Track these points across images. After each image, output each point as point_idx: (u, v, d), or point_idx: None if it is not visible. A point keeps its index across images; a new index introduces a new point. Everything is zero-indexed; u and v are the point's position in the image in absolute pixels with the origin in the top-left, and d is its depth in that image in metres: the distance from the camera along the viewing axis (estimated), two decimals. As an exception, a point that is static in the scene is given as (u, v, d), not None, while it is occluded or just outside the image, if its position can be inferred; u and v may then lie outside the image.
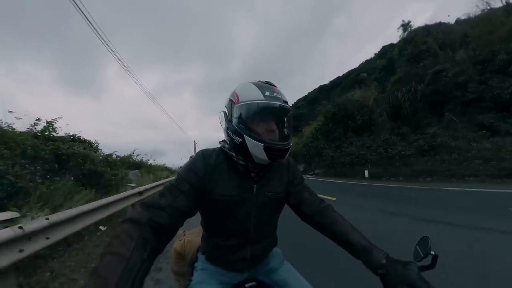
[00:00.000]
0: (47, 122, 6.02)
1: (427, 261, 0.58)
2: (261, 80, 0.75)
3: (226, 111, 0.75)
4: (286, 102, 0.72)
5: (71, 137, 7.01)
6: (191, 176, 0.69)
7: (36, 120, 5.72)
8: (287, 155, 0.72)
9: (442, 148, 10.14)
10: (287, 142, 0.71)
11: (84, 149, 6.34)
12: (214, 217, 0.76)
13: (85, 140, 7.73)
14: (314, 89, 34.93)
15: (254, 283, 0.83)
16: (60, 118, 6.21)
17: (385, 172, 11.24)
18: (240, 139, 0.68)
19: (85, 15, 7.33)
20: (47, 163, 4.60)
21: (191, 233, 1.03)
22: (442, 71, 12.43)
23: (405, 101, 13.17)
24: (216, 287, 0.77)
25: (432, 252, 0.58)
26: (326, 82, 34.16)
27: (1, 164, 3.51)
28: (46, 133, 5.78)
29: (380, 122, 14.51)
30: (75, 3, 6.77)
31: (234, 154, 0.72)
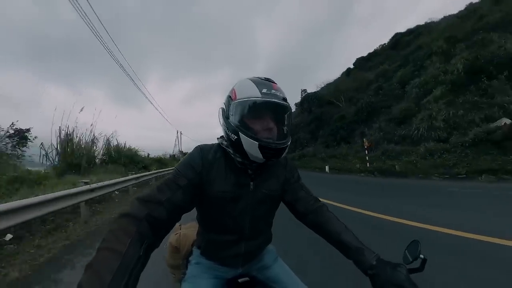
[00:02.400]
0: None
1: (416, 264, 0.59)
2: (261, 76, 0.73)
3: (224, 108, 0.74)
4: (285, 100, 0.70)
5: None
6: (189, 171, 0.67)
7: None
8: (285, 153, 0.70)
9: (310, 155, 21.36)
10: (283, 141, 0.68)
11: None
12: (209, 213, 0.75)
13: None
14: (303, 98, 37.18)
15: (247, 278, 0.83)
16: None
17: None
18: (236, 137, 0.66)
19: (119, 63, 10.88)
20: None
21: (187, 227, 1.01)
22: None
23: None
24: (210, 281, 0.77)
25: (421, 256, 0.58)
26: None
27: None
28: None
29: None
30: (110, 51, 9.95)
31: (231, 151, 0.71)
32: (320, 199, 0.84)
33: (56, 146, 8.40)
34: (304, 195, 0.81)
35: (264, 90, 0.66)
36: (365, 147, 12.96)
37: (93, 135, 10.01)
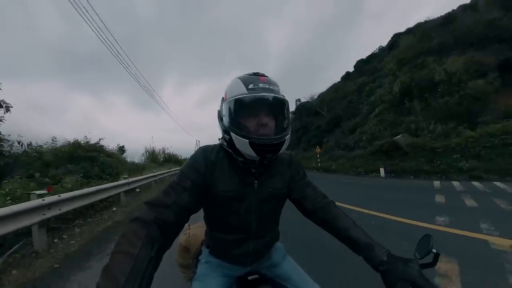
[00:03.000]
0: None
1: (428, 259, 0.57)
2: (250, 72, 0.72)
3: (220, 110, 0.74)
4: (277, 92, 0.67)
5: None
6: (192, 172, 0.68)
7: None
8: (283, 149, 0.68)
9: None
10: (278, 136, 0.65)
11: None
12: (216, 212, 0.76)
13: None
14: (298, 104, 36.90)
15: (256, 276, 0.84)
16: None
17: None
18: (228, 136, 0.66)
19: (147, 89, 14.39)
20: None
21: (195, 227, 1.04)
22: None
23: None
24: (220, 279, 0.78)
25: (434, 250, 0.57)
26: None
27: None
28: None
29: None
30: (129, 69, 10.91)
31: (232, 152, 0.70)
32: None
33: (145, 153, 20.47)
34: (311, 192, 0.80)
35: (251, 86, 0.65)
36: (317, 152, 17.22)
37: (159, 148, 22.12)
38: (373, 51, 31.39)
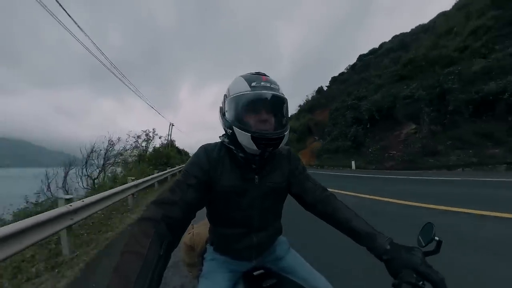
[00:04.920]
0: None
1: (431, 247, 0.58)
2: (253, 71, 0.74)
3: (222, 106, 0.76)
4: (277, 90, 0.69)
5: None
6: (196, 170, 0.69)
7: None
8: (282, 144, 0.70)
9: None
10: (278, 131, 0.68)
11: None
12: (218, 208, 0.76)
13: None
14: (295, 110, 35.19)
15: (262, 271, 0.84)
16: None
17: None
18: (231, 131, 0.68)
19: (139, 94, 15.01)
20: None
21: (199, 226, 1.04)
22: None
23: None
24: (226, 276, 0.78)
25: (436, 238, 0.57)
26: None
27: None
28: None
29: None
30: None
31: (233, 148, 0.72)
32: None
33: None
34: (311, 186, 0.81)
35: (254, 84, 0.67)
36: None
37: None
38: (346, 66, 31.44)
